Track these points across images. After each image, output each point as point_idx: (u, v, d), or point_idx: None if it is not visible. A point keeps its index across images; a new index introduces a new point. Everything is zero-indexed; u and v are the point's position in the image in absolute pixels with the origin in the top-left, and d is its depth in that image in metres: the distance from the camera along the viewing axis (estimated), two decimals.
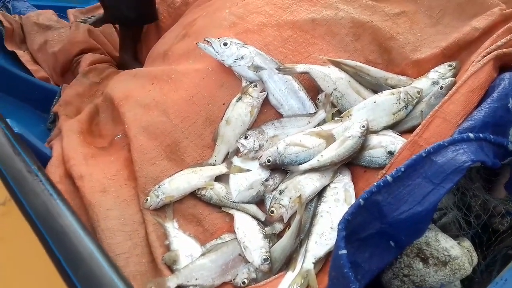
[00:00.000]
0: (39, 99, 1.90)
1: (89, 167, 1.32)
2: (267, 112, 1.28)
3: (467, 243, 1.00)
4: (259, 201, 1.20)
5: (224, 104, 1.30)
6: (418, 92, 1.22)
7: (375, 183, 0.85)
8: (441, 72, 1.26)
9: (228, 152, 1.25)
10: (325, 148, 1.16)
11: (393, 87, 1.27)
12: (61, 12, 2.42)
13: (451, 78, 1.20)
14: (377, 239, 0.88)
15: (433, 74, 1.27)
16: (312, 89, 1.29)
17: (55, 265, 0.75)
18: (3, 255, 0.83)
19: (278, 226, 1.13)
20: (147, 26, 2.20)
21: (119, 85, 1.68)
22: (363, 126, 1.14)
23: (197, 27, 1.68)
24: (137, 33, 2.16)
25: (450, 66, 1.26)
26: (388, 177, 0.85)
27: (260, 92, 1.25)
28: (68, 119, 1.71)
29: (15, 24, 2.15)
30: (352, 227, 0.84)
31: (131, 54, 2.19)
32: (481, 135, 0.94)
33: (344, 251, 0.79)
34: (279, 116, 1.28)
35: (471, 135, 0.90)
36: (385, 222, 0.85)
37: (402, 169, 0.86)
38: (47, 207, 0.84)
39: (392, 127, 1.21)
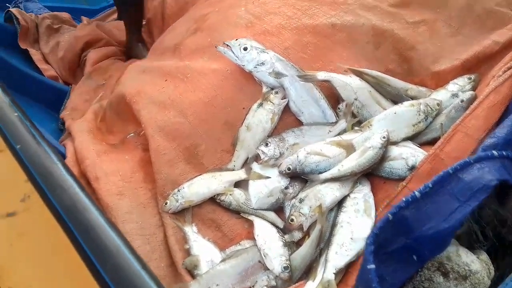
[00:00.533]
0: (50, 98, 1.96)
1: (104, 166, 1.35)
2: (287, 119, 1.32)
3: (484, 256, 1.05)
4: (278, 208, 1.23)
5: (243, 108, 1.33)
6: (438, 104, 1.26)
7: (403, 199, 0.89)
8: (460, 85, 1.30)
9: (247, 158, 1.28)
10: (345, 158, 1.20)
11: (412, 98, 1.31)
12: (72, 13, 2.48)
13: (471, 92, 1.24)
14: (401, 253, 0.92)
15: (452, 86, 1.31)
16: (332, 96, 1.33)
17: (82, 259, 0.78)
18: (25, 250, 0.87)
19: (297, 234, 1.17)
20: (152, 13, 2.23)
21: (129, 80, 1.71)
22: (384, 137, 1.18)
23: (211, 23, 1.70)
24: (137, 11, 2.22)
25: (469, 79, 1.30)
26: (416, 193, 0.89)
27: (281, 99, 1.28)
28: (74, 121, 1.73)
29: (30, 23, 2.21)
30: (379, 241, 0.88)
31: (135, 36, 2.25)
32: (504, 152, 0.98)
33: (373, 266, 0.83)
34: (299, 123, 1.31)
35: (495, 152, 0.94)
36: (411, 237, 0.89)
37: (430, 185, 0.90)
38: (74, 202, 0.87)
39: (411, 138, 1.25)
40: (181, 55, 1.69)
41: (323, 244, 1.12)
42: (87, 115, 1.73)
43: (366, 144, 1.19)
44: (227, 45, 1.37)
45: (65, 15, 2.47)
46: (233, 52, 1.34)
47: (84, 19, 2.46)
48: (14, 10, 2.24)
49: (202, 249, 1.14)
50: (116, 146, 1.51)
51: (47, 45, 2.22)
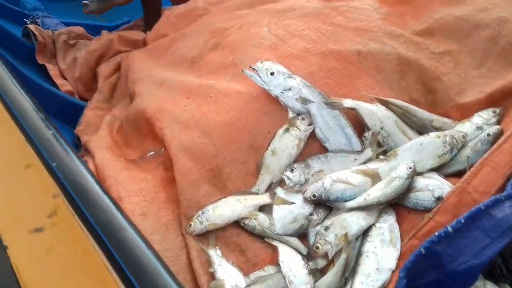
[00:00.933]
0: (66, 113, 2.02)
1: (126, 186, 1.39)
2: (312, 145, 1.36)
3: None
4: (301, 235, 1.27)
5: (269, 132, 1.38)
6: (463, 137, 1.32)
7: (436, 233, 0.94)
8: (485, 118, 1.36)
9: (272, 182, 1.33)
10: (370, 187, 1.25)
11: (437, 129, 1.36)
12: (88, 30, 2.57)
13: (497, 126, 1.29)
14: (430, 286, 0.97)
15: (477, 119, 1.36)
16: (358, 124, 1.38)
17: (119, 275, 0.82)
18: (53, 265, 0.90)
19: (321, 262, 1.21)
20: None
21: (148, 94, 1.76)
22: (410, 168, 1.23)
23: (233, 41, 1.76)
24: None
25: (494, 112, 1.36)
26: (449, 228, 0.94)
27: (308, 126, 1.33)
28: (89, 137, 1.78)
29: (48, 39, 2.30)
30: (410, 275, 0.93)
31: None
32: None
33: None
34: (324, 149, 1.36)
35: None
36: (442, 272, 0.94)
37: (462, 221, 0.95)
38: (111, 220, 0.92)
39: (436, 169, 1.30)
40: (201, 71, 1.75)
41: (348, 273, 1.16)
42: (102, 131, 1.78)
43: (392, 174, 1.24)
44: (253, 68, 1.42)
45: (79, 29, 2.56)
46: (260, 77, 1.40)
47: (104, 32, 2.54)
48: (31, 26, 2.33)
49: (227, 273, 1.18)
50: (136, 163, 1.56)
51: (64, 60, 2.31)
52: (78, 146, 1.86)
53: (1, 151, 1.20)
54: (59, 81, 2.21)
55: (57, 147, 1.03)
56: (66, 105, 2.10)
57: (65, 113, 2.04)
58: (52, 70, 2.25)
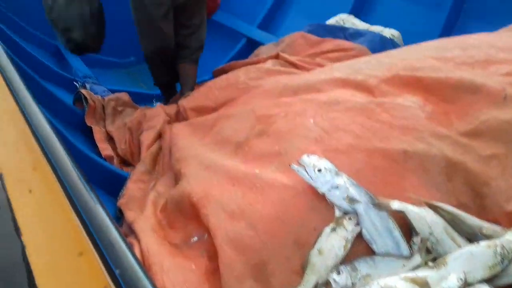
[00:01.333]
0: (107, 181, 2.08)
1: (171, 275, 1.41)
2: (359, 245, 1.36)
3: None
4: None
5: (315, 229, 1.39)
6: None
7: None
8: None
9: (317, 283, 1.32)
10: None
11: (487, 237, 1.35)
12: (133, 97, 2.72)
13: None
14: None
15: None
16: (404, 225, 1.38)
17: None
18: None
19: None
20: None
21: (193, 176, 1.81)
22: (461, 279, 1.21)
23: (278, 130, 1.82)
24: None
25: None
26: None
27: (355, 226, 1.34)
28: (134, 214, 1.83)
29: (98, 103, 2.43)
30: None
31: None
32: None
33: None
34: (370, 251, 1.36)
35: None
36: None
37: None
38: None
39: (486, 281, 1.27)
40: (246, 157, 1.80)
41: None
42: (147, 211, 1.82)
43: (443, 284, 1.21)
44: (301, 164, 1.46)
45: (125, 96, 2.72)
46: (307, 172, 1.43)
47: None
48: (83, 91, 2.49)
49: None
50: (180, 248, 1.58)
51: (113, 124, 2.46)
52: (119, 218, 1.90)
53: (56, 237, 1.26)
54: (101, 145, 2.35)
55: (124, 258, 1.04)
56: (106, 173, 2.19)
57: (105, 181, 2.12)
58: (97, 133, 2.40)
